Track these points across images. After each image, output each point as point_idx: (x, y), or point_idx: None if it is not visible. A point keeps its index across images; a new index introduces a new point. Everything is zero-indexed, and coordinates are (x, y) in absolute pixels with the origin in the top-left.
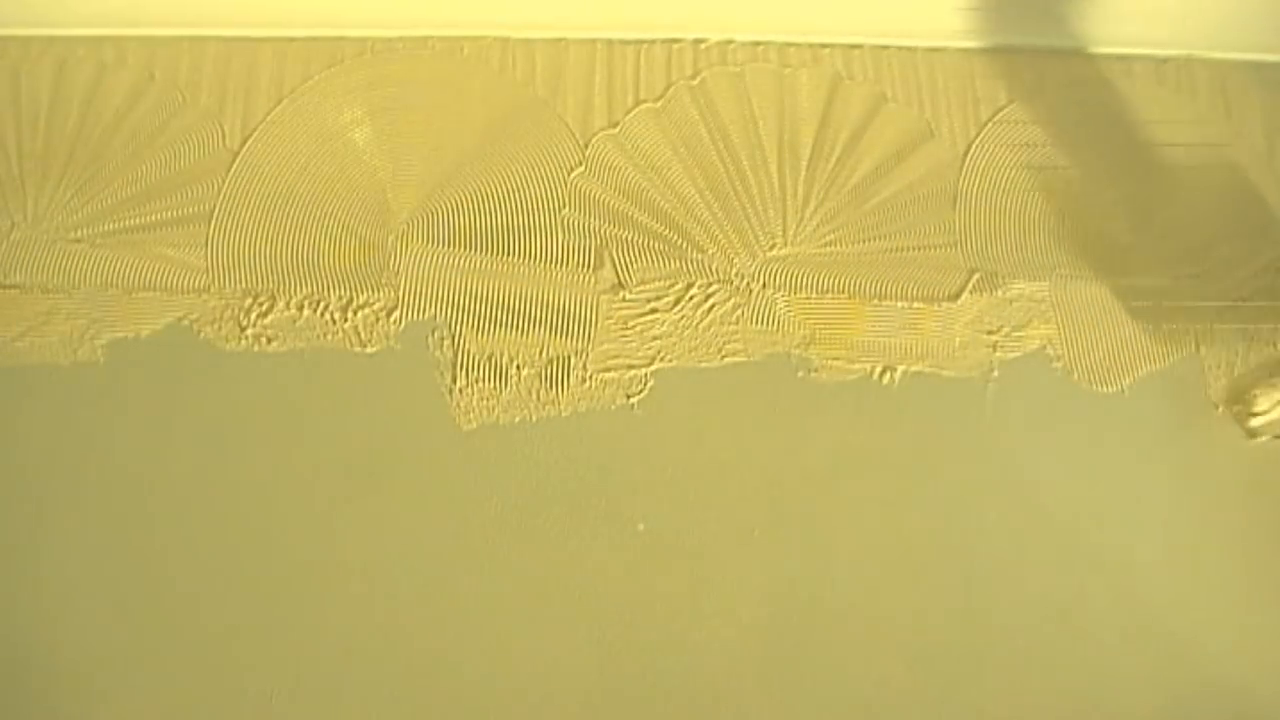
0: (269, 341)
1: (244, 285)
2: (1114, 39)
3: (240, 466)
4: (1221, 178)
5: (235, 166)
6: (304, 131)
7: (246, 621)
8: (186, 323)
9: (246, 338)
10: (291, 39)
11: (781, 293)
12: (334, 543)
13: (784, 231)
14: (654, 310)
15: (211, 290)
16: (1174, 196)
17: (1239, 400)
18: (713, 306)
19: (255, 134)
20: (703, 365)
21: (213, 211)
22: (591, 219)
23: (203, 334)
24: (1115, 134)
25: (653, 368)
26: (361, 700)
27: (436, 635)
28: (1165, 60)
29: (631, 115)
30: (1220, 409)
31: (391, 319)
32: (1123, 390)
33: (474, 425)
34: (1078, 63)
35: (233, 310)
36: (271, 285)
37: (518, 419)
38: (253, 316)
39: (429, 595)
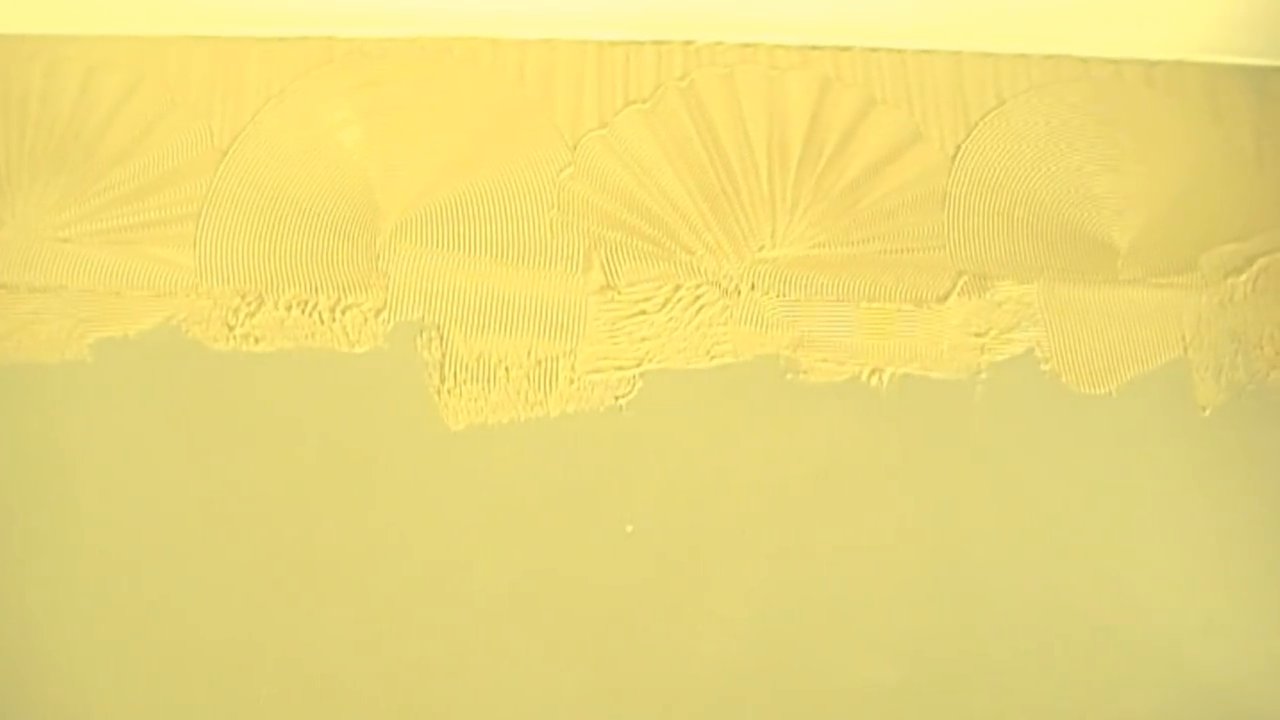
0: (257, 341)
1: (232, 285)
2: (1103, 42)
3: (228, 466)
4: (1210, 182)
5: (224, 166)
6: (293, 131)
7: (233, 621)
8: (174, 322)
9: (235, 337)
10: (280, 39)
11: (770, 294)
12: (321, 542)
13: (773, 233)
14: (642, 312)
15: (200, 290)
16: (1163, 200)
17: None
18: (701, 308)
19: (244, 134)
20: (691, 367)
21: (201, 211)
22: (580, 220)
23: (191, 334)
24: (1105, 137)
25: (641, 369)
26: (349, 700)
27: (423, 636)
28: (1155, 63)
29: (620, 116)
30: (1208, 412)
31: (380, 319)
32: (1111, 393)
33: (462, 426)
34: (1067, 65)
35: (221, 310)
36: (260, 285)
37: (506, 420)
38: (241, 316)
39: (416, 595)
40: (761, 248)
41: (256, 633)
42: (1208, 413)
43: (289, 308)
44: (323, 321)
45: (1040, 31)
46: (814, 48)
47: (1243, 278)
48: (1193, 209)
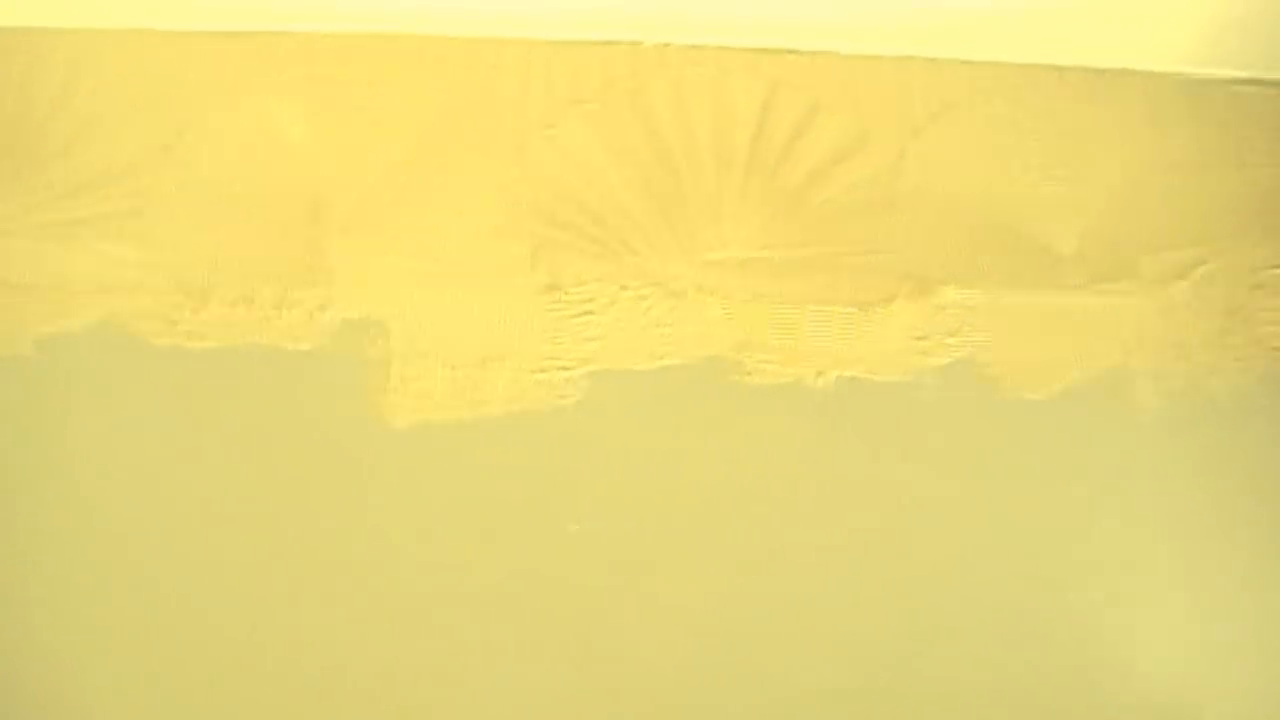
0: (201, 338)
1: (176, 281)
2: (1048, 49)
3: (169, 463)
4: (1153, 191)
5: (169, 161)
6: (240, 127)
7: (169, 622)
8: (117, 318)
9: (178, 333)
10: (228, 33)
11: (716, 296)
12: (262, 539)
13: (719, 235)
14: (588, 312)
15: (143, 286)
16: (1106, 208)
17: None
18: (647, 309)
19: (190, 128)
20: (636, 368)
21: (144, 206)
22: (526, 220)
23: (133, 329)
24: (1049, 144)
25: (586, 370)
26: (284, 701)
27: (363, 636)
28: (1099, 72)
29: (567, 116)
30: (1148, 417)
31: (324, 316)
32: (1052, 398)
33: (405, 425)
34: (1012, 72)
35: (164, 306)
36: (204, 281)
37: (449, 419)
38: (185, 312)
39: (357, 595)
40: (707, 249)
41: (190, 631)
42: (1147, 418)
43: (233, 304)
44: (267, 318)
45: (985, 38)
46: (761, 51)
47: (1183, 285)
48: (1134, 217)
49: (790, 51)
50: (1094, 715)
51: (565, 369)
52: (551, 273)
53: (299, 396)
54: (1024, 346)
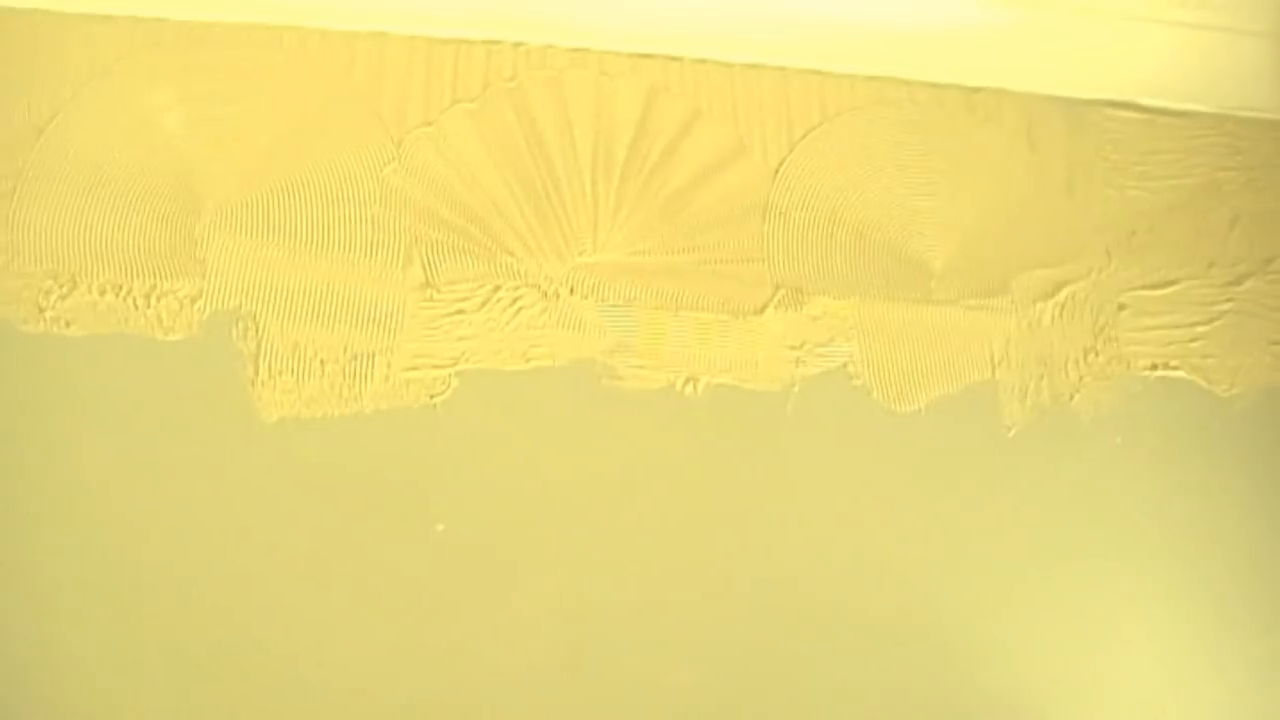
0: (68, 324)
1: (45, 266)
2: (926, 66)
3: (33, 452)
4: (1023, 208)
5: (40, 144)
6: (114, 112)
7: (27, 620)
8: None
9: (45, 320)
10: (107, 17)
11: (589, 299)
12: (127, 530)
13: (594, 238)
14: (460, 311)
15: (11, 269)
16: (978, 224)
17: None
18: (520, 310)
19: (63, 112)
20: (507, 368)
21: (15, 189)
22: (402, 216)
23: (0, 315)
24: (924, 160)
25: (457, 368)
26: (146, 699)
27: (229, 632)
28: (975, 90)
29: (447, 114)
30: (1013, 432)
31: (195, 307)
32: (920, 410)
33: (275, 419)
34: (891, 87)
35: (32, 291)
36: (74, 267)
37: (319, 414)
38: (53, 298)
39: (221, 589)
40: (582, 252)
41: (50, 625)
42: (1013, 433)
43: (102, 291)
44: (136, 307)
45: (866, 53)
46: (643, 56)
47: (1050, 303)
48: (1006, 234)
49: (672, 58)
50: (938, 699)
51: (437, 367)
52: (425, 270)
53: (168, 387)
54: (895, 359)
